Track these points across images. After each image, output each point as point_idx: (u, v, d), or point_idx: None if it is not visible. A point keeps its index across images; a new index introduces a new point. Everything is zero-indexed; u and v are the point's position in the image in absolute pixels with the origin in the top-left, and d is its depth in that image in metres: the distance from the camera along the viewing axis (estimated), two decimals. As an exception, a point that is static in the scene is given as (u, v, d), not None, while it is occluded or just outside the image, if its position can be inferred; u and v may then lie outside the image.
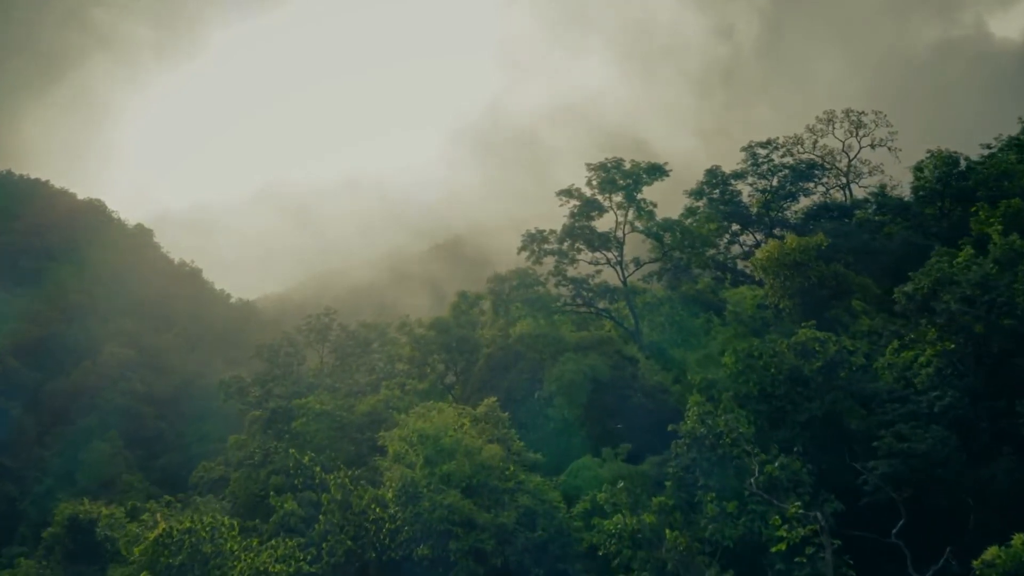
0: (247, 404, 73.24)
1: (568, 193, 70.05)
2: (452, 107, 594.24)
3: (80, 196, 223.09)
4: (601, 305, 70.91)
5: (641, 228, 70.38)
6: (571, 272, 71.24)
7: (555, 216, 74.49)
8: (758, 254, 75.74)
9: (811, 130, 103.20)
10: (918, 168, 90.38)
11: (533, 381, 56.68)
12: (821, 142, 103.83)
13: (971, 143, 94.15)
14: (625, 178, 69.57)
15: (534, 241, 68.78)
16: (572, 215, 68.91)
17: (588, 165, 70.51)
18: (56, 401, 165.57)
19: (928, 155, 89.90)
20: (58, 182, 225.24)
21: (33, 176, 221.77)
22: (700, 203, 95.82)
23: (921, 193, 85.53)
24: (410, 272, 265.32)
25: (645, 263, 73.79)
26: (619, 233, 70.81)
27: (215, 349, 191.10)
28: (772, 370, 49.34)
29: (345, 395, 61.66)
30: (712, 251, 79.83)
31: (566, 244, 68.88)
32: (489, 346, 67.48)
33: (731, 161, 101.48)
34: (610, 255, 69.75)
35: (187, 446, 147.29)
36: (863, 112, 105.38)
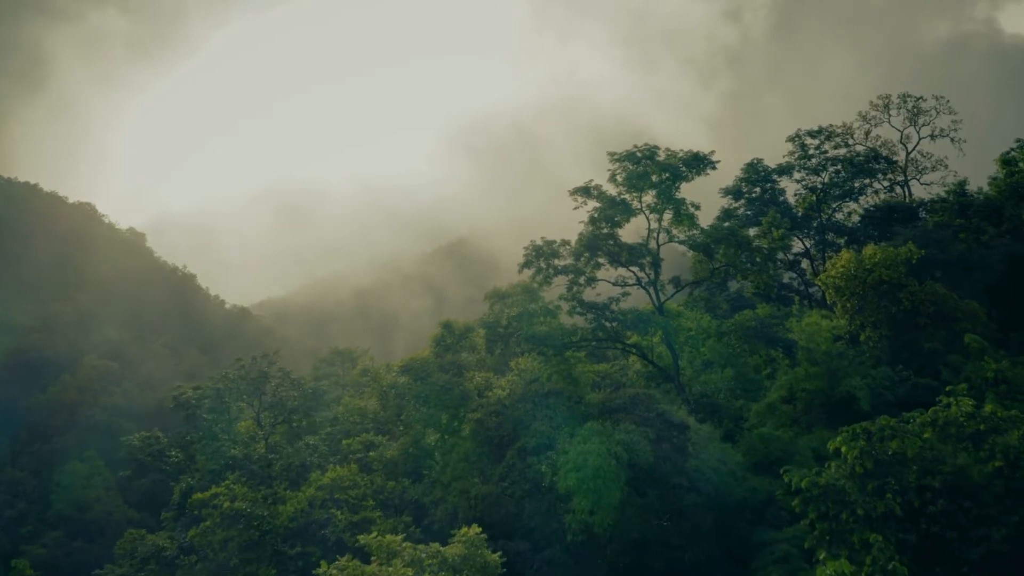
0: (165, 473, 53.84)
1: (585, 191, 50.09)
2: (452, 107, 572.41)
3: (72, 200, 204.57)
4: (630, 339, 50.90)
5: (682, 238, 50.38)
6: (588, 293, 51.21)
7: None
8: (829, 269, 55.91)
9: (863, 117, 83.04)
10: (1006, 160, 70.63)
11: (540, 462, 36.84)
12: (874, 131, 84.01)
13: (981, 140, 79.85)
14: (660, 172, 49.66)
15: (541, 256, 48.78)
16: (592, 221, 48.81)
17: (612, 155, 50.64)
18: (32, 418, 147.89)
19: (1017, 144, 70.44)
20: (60, 188, 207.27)
21: (22, 179, 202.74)
22: (739, 203, 75.84)
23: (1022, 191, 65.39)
24: (412, 274, 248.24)
25: (688, 284, 53.62)
26: (652, 244, 50.90)
27: (205, 359, 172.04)
28: (916, 468, 29.57)
29: (280, 472, 42.47)
30: (781, 271, 59.56)
31: (583, 259, 48.87)
32: (481, 397, 47.69)
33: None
34: (641, 273, 49.72)
35: (173, 464, 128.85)
36: (921, 97, 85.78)
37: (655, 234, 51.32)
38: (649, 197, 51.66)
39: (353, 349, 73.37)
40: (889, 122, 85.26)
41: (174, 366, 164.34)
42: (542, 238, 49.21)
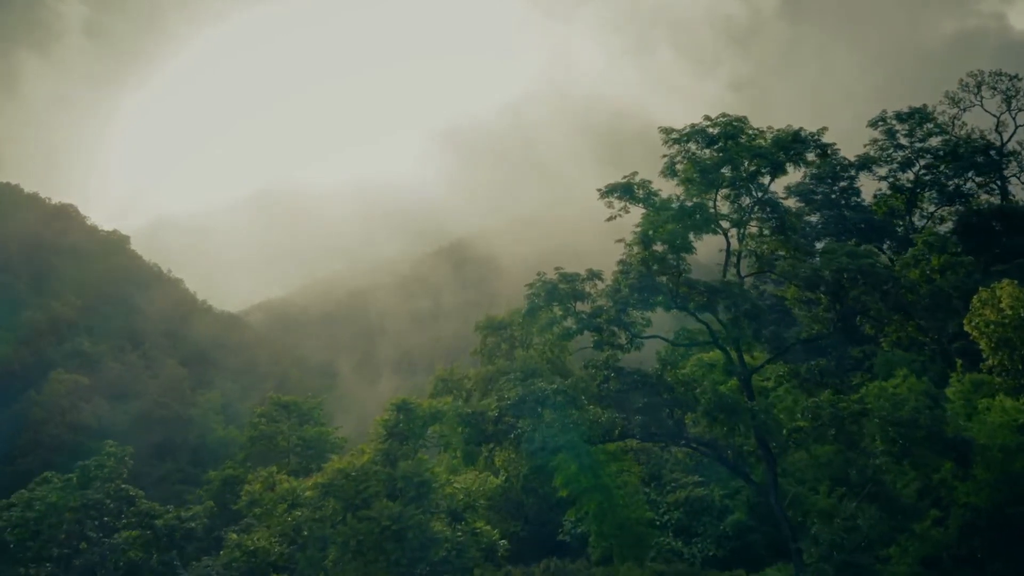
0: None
1: (627, 190, 28.26)
2: (452, 106, 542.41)
3: (54, 201, 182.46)
4: (700, 431, 29.26)
5: (784, 267, 28.80)
6: (622, 347, 29.55)
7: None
8: (979, 308, 34.47)
9: (952, 99, 61.53)
10: None
11: None
12: (962, 118, 62.50)
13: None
14: (750, 158, 28.21)
15: (555, 299, 27.34)
16: (642, 240, 27.03)
17: (666, 132, 29.10)
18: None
19: None
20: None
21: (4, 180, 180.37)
22: (803, 206, 54.45)
23: None
24: (411, 276, 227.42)
25: (797, 342, 32.09)
26: (732, 273, 29.47)
27: (185, 371, 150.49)
28: None
29: None
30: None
31: (622, 309, 27.28)
32: (459, 520, 26.49)
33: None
34: (718, 326, 28.19)
35: (143, 489, 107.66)
36: (1017, 75, 64.32)
37: (735, 257, 29.82)
38: (719, 200, 30.27)
39: (302, 401, 51.45)
40: (982, 105, 64.11)
41: (150, 379, 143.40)
42: (556, 270, 27.69)
